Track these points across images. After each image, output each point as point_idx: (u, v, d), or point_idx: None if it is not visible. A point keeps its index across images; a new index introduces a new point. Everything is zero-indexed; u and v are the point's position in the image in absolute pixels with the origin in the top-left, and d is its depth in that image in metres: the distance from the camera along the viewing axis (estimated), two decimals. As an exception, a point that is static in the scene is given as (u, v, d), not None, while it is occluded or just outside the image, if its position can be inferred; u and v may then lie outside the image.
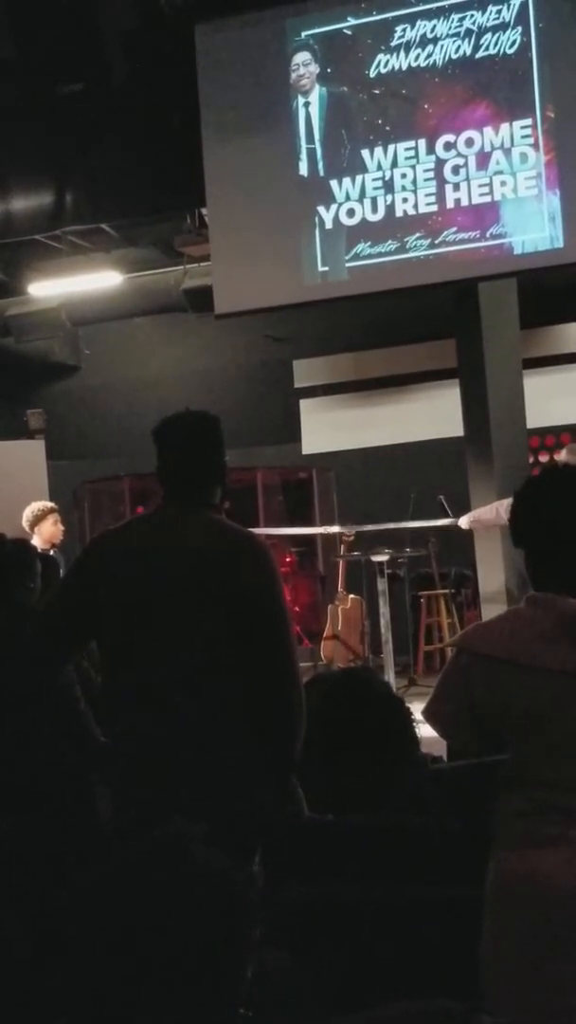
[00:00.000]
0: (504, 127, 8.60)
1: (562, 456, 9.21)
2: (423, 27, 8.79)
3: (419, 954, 2.78)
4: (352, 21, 9.04)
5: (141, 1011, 1.66)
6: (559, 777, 2.51)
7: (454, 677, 2.64)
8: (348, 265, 9.11)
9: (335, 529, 10.68)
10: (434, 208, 8.82)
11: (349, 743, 3.48)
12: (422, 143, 8.84)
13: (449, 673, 2.67)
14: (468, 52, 8.69)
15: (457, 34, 8.70)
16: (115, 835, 3.52)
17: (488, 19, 8.61)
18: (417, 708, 2.95)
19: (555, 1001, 2.40)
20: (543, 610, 2.58)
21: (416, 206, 8.86)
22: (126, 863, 1.77)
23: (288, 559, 11.88)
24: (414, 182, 8.85)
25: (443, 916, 2.84)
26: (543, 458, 11.70)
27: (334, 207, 9.10)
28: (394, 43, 8.86)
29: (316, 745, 3.53)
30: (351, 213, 9.06)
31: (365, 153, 9.00)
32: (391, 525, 9.97)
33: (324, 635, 11.07)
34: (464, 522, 8.96)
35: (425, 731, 2.97)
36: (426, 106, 8.85)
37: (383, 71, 8.92)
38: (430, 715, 2.69)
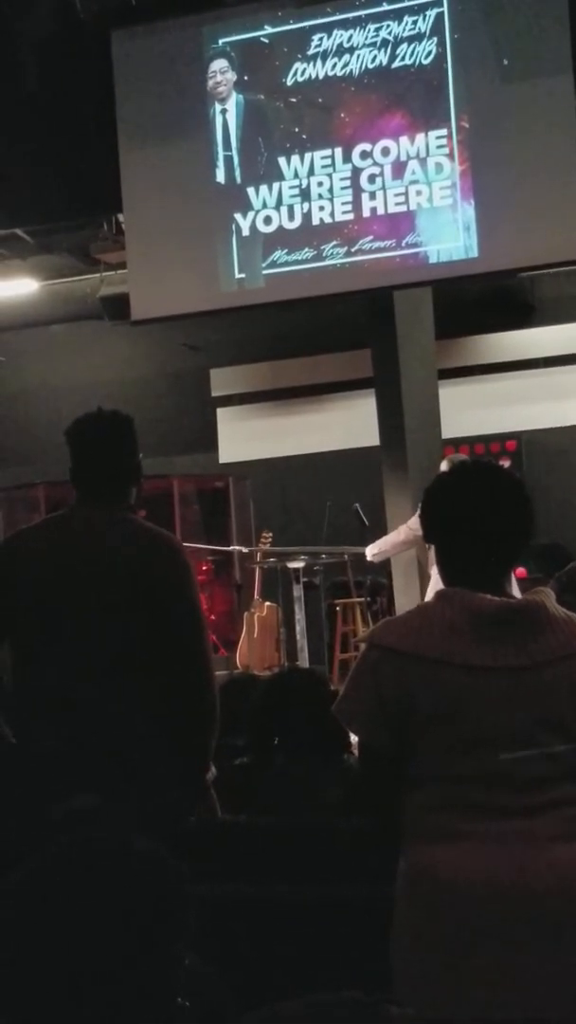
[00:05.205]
0: (420, 137, 8.64)
1: (443, 467, 9.25)
2: (340, 37, 8.82)
3: (330, 951, 2.79)
4: (269, 29, 9.04)
5: (82, 1002, 1.65)
6: (464, 772, 2.52)
7: (364, 673, 2.64)
8: (265, 272, 9.10)
9: (260, 548, 10.57)
10: (350, 216, 8.83)
11: (282, 742, 3.49)
12: (338, 152, 8.85)
13: (359, 669, 2.67)
14: (384, 62, 8.72)
15: (373, 44, 8.73)
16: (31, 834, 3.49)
17: (404, 30, 8.65)
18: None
19: (461, 994, 2.41)
20: (451, 605, 2.59)
21: (332, 214, 8.88)
22: (65, 852, 1.77)
23: (204, 567, 11.84)
24: (330, 190, 8.87)
25: (354, 913, 2.84)
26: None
27: (251, 214, 9.09)
28: (311, 52, 8.88)
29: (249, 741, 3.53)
30: (268, 220, 9.05)
31: (282, 161, 9.00)
32: (310, 549, 10.00)
33: (239, 643, 11.04)
34: (369, 553, 8.92)
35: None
36: (343, 115, 8.87)
37: (300, 79, 8.94)
38: (341, 711, 2.69)
